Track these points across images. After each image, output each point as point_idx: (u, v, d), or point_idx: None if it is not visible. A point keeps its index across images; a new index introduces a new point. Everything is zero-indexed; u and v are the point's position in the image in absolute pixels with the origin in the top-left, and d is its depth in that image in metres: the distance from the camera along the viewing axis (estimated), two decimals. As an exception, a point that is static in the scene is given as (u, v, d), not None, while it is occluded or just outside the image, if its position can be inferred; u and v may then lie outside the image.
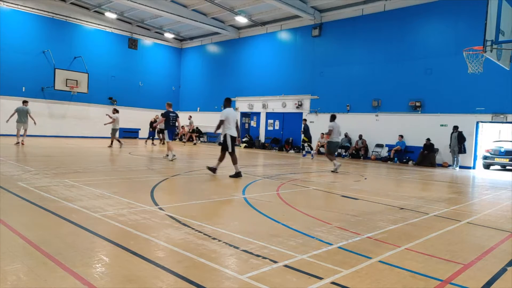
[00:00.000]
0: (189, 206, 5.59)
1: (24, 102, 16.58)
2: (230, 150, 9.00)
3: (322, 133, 20.53)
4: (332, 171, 11.56)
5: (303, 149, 18.74)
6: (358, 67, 19.66)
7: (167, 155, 12.73)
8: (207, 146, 23.00)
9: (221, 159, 9.23)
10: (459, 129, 15.69)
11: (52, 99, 23.16)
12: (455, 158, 15.73)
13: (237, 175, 8.97)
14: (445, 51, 16.66)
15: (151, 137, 22.07)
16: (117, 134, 17.00)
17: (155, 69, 28.92)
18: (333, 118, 11.99)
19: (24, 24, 22.24)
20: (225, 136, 9.05)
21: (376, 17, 19.04)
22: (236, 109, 25.66)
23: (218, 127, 9.09)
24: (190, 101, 29.51)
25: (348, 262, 3.44)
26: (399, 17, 18.25)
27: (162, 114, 13.07)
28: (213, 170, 9.33)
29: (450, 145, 15.84)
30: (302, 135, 18.21)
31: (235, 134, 9.08)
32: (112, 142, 17.01)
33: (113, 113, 16.88)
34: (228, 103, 9.39)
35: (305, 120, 18.88)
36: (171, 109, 12.92)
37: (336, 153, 13.60)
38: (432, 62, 17.12)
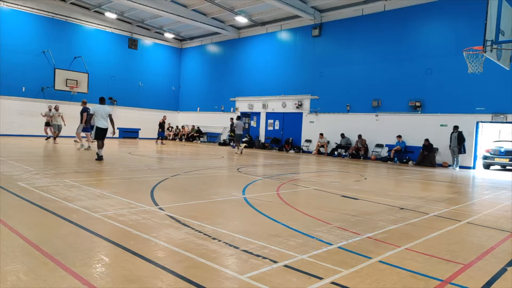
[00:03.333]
0: (189, 206, 5.59)
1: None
2: (93, 137, 11.41)
3: (321, 134, 20.58)
4: (236, 153, 17.02)
5: (231, 142, 23.09)
6: (358, 67, 19.66)
7: (88, 146, 14.69)
8: (207, 146, 22.98)
9: (98, 146, 11.15)
10: (459, 129, 15.69)
11: (52, 99, 23.12)
12: (455, 158, 15.72)
13: (99, 158, 10.97)
14: (445, 51, 16.65)
15: (160, 137, 22.78)
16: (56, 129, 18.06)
17: (155, 69, 28.91)
18: (238, 118, 18.42)
19: (24, 24, 22.23)
20: (93, 127, 11.38)
21: (376, 17, 19.03)
22: (236, 109, 25.71)
23: (88, 120, 11.61)
24: (190, 101, 29.51)
25: (348, 262, 3.45)
26: (399, 17, 18.25)
27: (81, 110, 14.92)
28: (99, 158, 11.11)
29: (450, 145, 15.83)
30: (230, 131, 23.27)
31: (101, 125, 11.04)
32: (54, 137, 18.01)
33: (57, 109, 18.24)
34: (101, 101, 11.43)
35: (232, 119, 21.33)
36: (86, 106, 15.01)
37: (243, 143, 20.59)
38: (432, 62, 17.12)
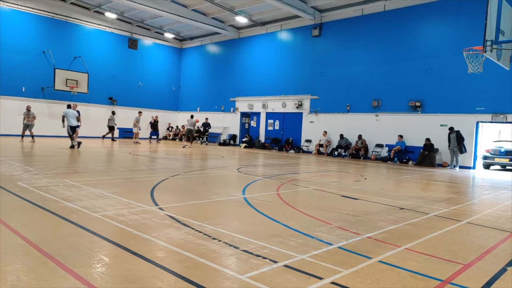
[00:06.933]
0: (189, 206, 5.59)
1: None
2: (67, 133, 15.23)
3: (325, 131, 20.59)
4: (188, 147, 19.59)
5: (189, 140, 22.95)
6: (358, 67, 19.65)
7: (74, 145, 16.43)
8: (207, 146, 22.98)
9: (71, 138, 15.21)
10: (456, 129, 15.66)
11: (52, 99, 23.14)
12: (455, 158, 15.71)
13: (72, 146, 14.93)
14: (445, 51, 16.65)
15: (151, 136, 23.39)
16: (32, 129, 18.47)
17: (155, 69, 28.90)
18: (192, 117, 20.96)
19: (24, 24, 22.21)
20: (67, 126, 14.95)
21: (376, 17, 19.03)
22: (236, 109, 25.72)
23: (63, 120, 14.87)
24: (190, 101, 29.50)
25: (348, 262, 3.45)
26: (399, 17, 18.25)
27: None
28: (72, 146, 14.94)
29: (449, 145, 15.81)
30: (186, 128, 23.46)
31: (72, 124, 14.92)
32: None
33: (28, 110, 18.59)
34: (68, 107, 15.46)
35: (191, 116, 21.34)
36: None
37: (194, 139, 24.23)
38: (432, 62, 17.11)
